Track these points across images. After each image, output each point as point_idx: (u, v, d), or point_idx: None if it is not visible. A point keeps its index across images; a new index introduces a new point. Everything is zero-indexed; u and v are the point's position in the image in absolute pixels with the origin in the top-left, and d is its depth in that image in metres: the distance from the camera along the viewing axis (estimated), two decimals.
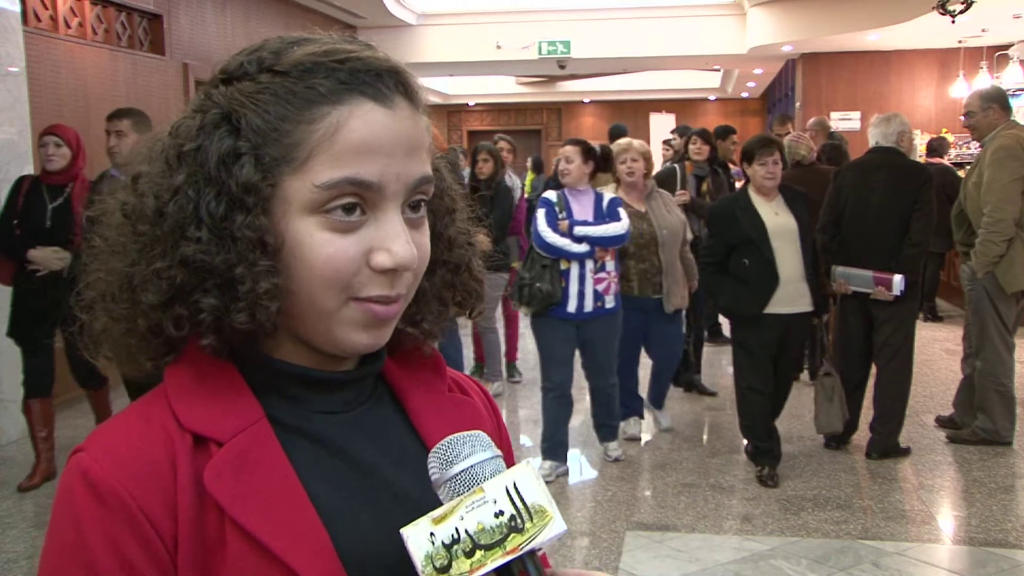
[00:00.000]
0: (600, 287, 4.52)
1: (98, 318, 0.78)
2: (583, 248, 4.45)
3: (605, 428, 4.96)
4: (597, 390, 4.83)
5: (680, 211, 5.34)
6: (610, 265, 4.56)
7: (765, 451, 4.67)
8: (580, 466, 5.00)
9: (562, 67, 13.31)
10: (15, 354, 5.48)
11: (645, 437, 5.36)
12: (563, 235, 4.45)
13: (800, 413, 5.64)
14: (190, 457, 0.72)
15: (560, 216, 4.49)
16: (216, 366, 0.77)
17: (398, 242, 0.75)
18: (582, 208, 4.53)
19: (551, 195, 4.62)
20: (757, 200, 4.57)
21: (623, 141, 5.21)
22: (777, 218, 4.54)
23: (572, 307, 4.48)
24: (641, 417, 5.44)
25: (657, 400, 5.58)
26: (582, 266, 4.49)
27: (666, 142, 10.26)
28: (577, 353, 4.74)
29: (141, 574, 0.70)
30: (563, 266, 4.49)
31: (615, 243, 4.51)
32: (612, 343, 4.71)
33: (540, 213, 4.54)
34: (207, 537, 0.71)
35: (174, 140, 0.76)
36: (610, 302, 4.57)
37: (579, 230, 4.44)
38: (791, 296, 4.50)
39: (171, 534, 0.71)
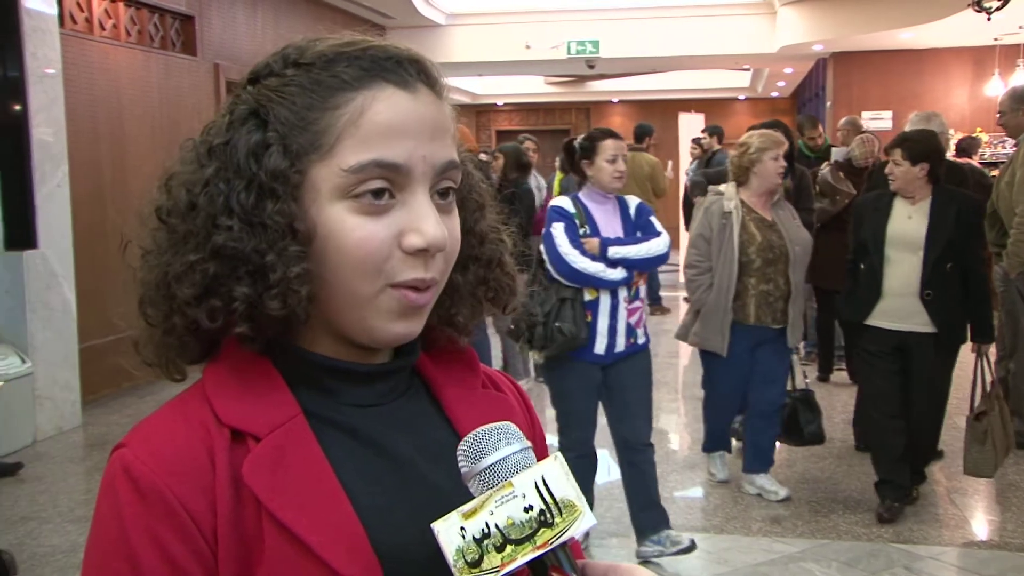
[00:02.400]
0: (633, 319, 3.60)
1: (138, 325, 0.80)
2: (620, 274, 3.50)
3: (646, 516, 3.69)
4: (629, 450, 3.69)
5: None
6: (642, 290, 3.70)
7: (884, 482, 4.19)
8: (608, 466, 4.98)
9: (591, 67, 13.27)
10: (50, 351, 5.57)
11: (674, 437, 5.32)
12: (594, 258, 3.48)
13: (829, 415, 5.59)
14: (228, 452, 0.73)
15: (582, 231, 3.54)
16: (253, 362, 0.78)
17: (428, 222, 0.76)
18: (607, 220, 3.60)
19: (565, 203, 3.60)
20: (900, 200, 4.05)
21: (771, 133, 4.32)
22: (907, 223, 4.00)
23: (601, 347, 3.53)
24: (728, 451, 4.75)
25: (757, 463, 4.43)
26: (614, 295, 3.53)
27: (695, 141, 10.24)
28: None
29: (183, 569, 0.71)
30: (588, 296, 3.53)
31: (656, 265, 3.67)
32: (647, 388, 3.74)
33: (558, 229, 3.51)
34: (245, 531, 0.72)
35: (204, 137, 0.78)
36: (642, 336, 3.66)
37: (615, 251, 3.48)
38: (902, 311, 3.98)
39: (212, 529, 0.71)
